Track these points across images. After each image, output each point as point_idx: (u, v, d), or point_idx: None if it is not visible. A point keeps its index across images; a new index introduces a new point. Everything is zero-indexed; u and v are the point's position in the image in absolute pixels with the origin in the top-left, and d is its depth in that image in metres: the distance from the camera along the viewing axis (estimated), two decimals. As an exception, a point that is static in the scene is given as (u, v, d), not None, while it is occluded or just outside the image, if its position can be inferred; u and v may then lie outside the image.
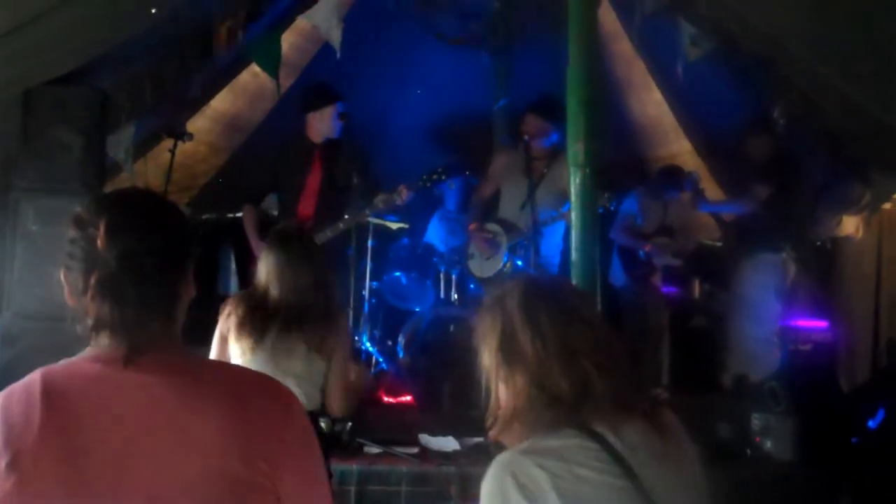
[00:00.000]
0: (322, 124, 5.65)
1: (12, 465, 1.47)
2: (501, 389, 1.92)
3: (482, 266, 6.11)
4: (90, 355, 1.62)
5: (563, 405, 1.83)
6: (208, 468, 1.55)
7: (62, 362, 1.62)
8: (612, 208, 5.81)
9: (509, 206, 6.16)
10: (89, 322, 1.60)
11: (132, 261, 1.60)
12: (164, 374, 1.61)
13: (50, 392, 1.55)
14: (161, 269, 1.64)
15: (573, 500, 1.70)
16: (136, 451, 1.53)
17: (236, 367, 1.59)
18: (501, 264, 5.99)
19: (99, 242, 1.58)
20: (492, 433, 1.91)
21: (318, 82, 5.97)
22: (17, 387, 1.58)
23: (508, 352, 1.91)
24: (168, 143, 5.95)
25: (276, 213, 6.00)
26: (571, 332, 1.90)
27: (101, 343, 1.62)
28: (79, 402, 1.55)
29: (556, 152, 5.93)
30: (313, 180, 5.67)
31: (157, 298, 1.65)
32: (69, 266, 1.63)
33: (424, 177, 5.48)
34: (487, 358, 1.95)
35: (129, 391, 1.58)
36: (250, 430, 1.60)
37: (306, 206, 5.69)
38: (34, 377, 1.58)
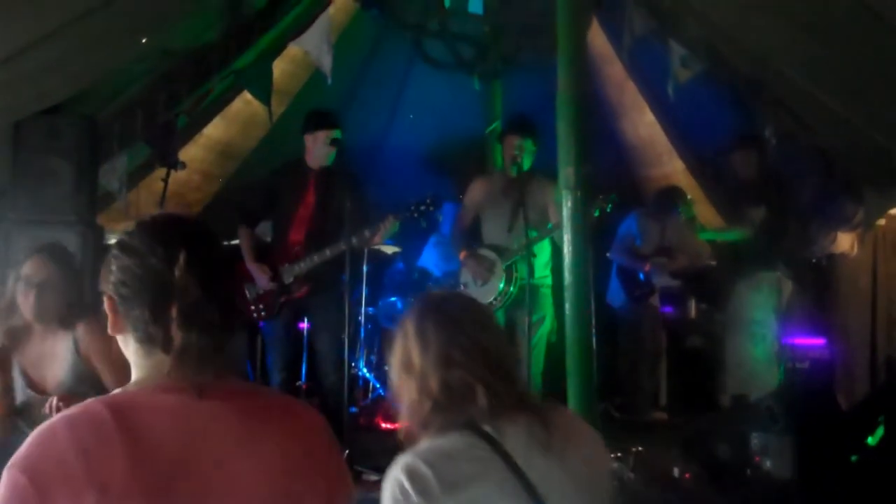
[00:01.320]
0: (315, 147, 5.58)
1: (101, 498, 1.43)
2: (403, 398, 2.11)
3: (478, 293, 5.90)
4: (157, 385, 1.60)
5: (445, 411, 2.02)
6: (278, 489, 1.59)
7: (119, 392, 1.61)
8: (608, 210, 5.76)
9: (495, 231, 6.06)
10: (165, 351, 1.59)
11: (215, 288, 1.63)
12: (229, 400, 1.62)
13: (125, 423, 1.50)
14: (233, 295, 1.71)
15: (457, 493, 1.88)
16: (217, 478, 1.54)
17: (280, 392, 1.68)
18: (499, 288, 5.91)
19: (177, 272, 1.58)
20: (401, 437, 2.11)
21: (320, 108, 5.92)
22: (77, 418, 1.51)
23: (404, 365, 2.11)
24: (161, 172, 5.92)
25: (268, 239, 5.96)
26: (451, 342, 2.06)
27: (163, 371, 1.60)
28: (158, 432, 1.53)
29: (532, 170, 5.91)
30: (306, 206, 5.62)
31: (230, 325, 1.67)
32: (122, 295, 1.62)
33: (412, 207, 5.40)
34: (393, 372, 2.15)
35: (204, 420, 1.58)
36: (306, 449, 1.67)
37: (297, 231, 5.61)
38: (94, 408, 1.52)
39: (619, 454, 5.02)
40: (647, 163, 8.70)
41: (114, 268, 1.65)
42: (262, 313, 5.57)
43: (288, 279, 5.49)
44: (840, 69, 5.08)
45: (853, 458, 5.20)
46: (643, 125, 8.35)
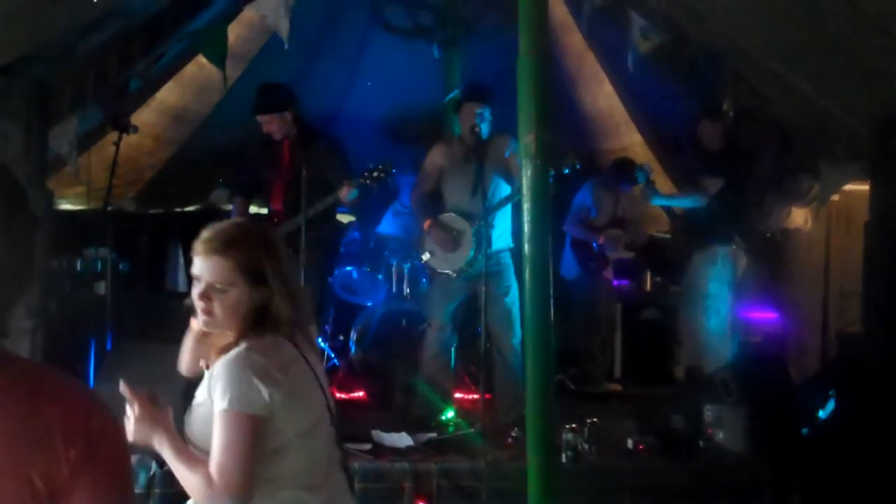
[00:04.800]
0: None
1: None
2: (233, 302, 2.44)
3: (446, 260, 5.83)
4: None
5: (269, 319, 2.45)
6: None
7: None
8: (577, 168, 5.71)
9: (459, 195, 5.90)
10: None
11: None
12: None
13: None
14: None
15: (287, 374, 2.36)
16: None
17: (38, 364, 1.38)
18: (468, 257, 5.78)
19: None
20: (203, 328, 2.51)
21: (268, 85, 5.89)
22: None
23: (252, 273, 2.44)
24: (113, 135, 5.80)
25: (227, 207, 6.04)
26: (291, 269, 2.58)
27: None
28: None
29: (490, 135, 5.84)
30: (282, 176, 5.75)
31: None
32: None
33: (365, 174, 5.43)
34: (231, 276, 2.44)
35: None
36: (30, 440, 1.34)
37: (276, 201, 5.82)
38: None
39: (574, 425, 5.04)
40: (606, 135, 8.70)
41: None
42: None
43: None
44: (800, 44, 5.09)
45: (804, 430, 5.27)
46: (602, 96, 8.34)
